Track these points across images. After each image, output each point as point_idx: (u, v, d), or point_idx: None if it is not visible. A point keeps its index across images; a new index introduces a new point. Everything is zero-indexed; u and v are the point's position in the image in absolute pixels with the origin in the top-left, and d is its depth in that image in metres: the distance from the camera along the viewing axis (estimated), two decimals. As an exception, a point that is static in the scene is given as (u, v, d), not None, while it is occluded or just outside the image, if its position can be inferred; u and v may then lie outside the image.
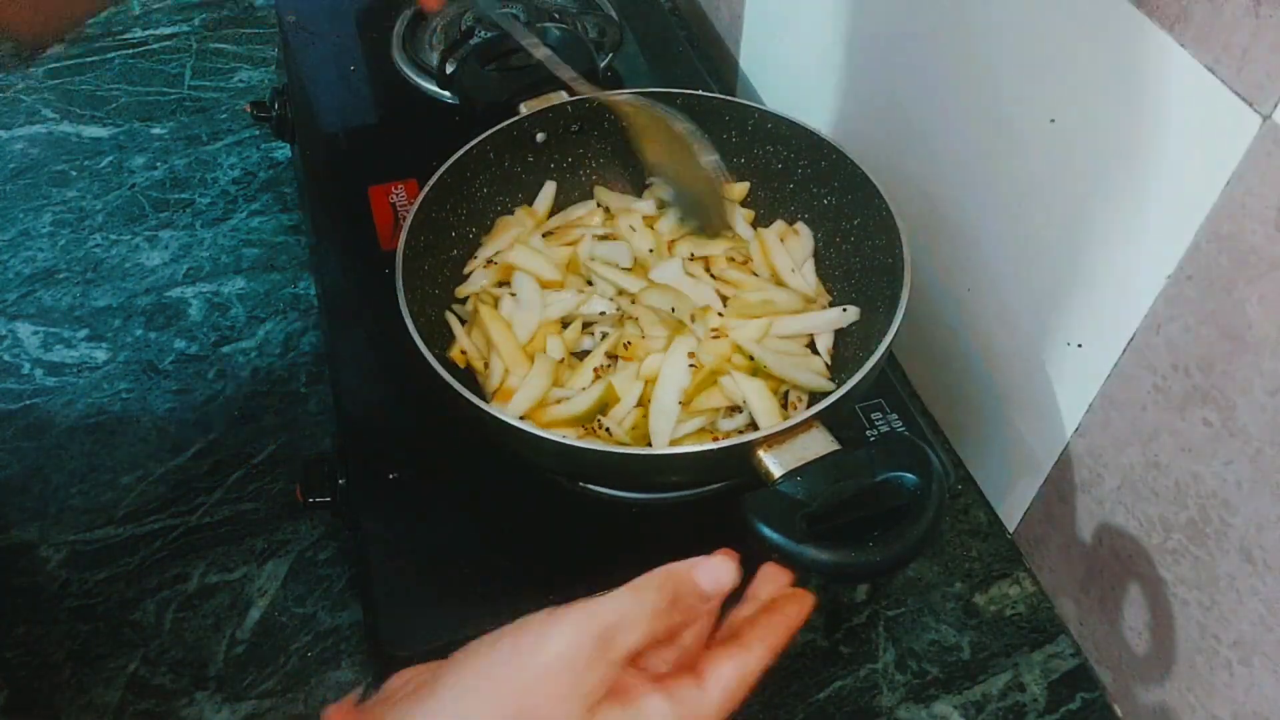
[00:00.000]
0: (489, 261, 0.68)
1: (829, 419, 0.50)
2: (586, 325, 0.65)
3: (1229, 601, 0.51)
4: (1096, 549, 0.60)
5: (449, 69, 0.81)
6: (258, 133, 0.97)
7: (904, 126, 0.71)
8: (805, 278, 0.67)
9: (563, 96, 0.69)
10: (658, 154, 0.66)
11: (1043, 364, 0.61)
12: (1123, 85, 0.50)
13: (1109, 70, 0.50)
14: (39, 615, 0.64)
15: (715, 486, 0.59)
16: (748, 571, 0.43)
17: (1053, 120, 0.55)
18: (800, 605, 0.43)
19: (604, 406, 0.59)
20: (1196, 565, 0.52)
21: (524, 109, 0.69)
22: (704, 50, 1.05)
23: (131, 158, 0.95)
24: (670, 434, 0.58)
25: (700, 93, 0.70)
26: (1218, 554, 0.51)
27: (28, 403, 0.76)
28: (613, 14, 0.93)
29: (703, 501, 0.59)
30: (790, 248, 0.68)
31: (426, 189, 0.63)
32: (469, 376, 0.63)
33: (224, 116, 0.99)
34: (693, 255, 0.68)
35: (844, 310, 0.64)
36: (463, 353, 0.63)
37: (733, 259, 0.68)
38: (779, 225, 0.70)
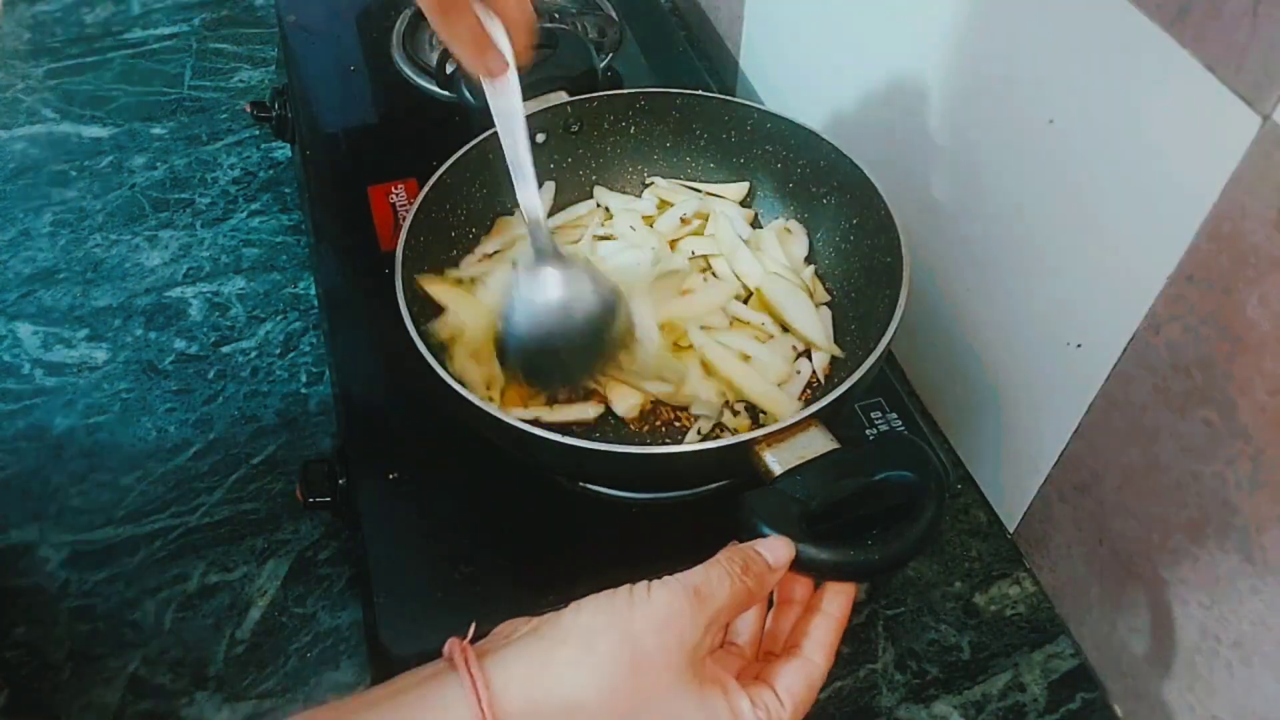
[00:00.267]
0: (486, 256, 0.68)
1: (828, 418, 0.51)
2: None
3: (1229, 601, 0.51)
4: (1096, 549, 0.60)
5: (449, 69, 0.81)
6: (258, 133, 0.97)
7: (904, 127, 0.71)
8: (803, 277, 0.67)
9: (563, 96, 0.69)
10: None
11: (1043, 364, 0.61)
12: (1123, 85, 0.50)
13: (1109, 70, 0.50)
14: (39, 615, 0.64)
15: (715, 486, 0.59)
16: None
17: (1052, 120, 0.55)
18: (844, 599, 0.45)
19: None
20: (1196, 565, 0.52)
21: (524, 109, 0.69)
22: (704, 50, 1.05)
23: (131, 158, 0.95)
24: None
25: (700, 93, 0.70)
26: (1218, 554, 0.51)
27: (28, 403, 0.76)
28: (613, 14, 0.93)
29: (703, 501, 0.59)
30: (788, 248, 0.68)
31: (426, 189, 0.63)
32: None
33: (224, 116, 0.99)
34: (694, 253, 0.68)
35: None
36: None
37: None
38: (778, 224, 0.70)
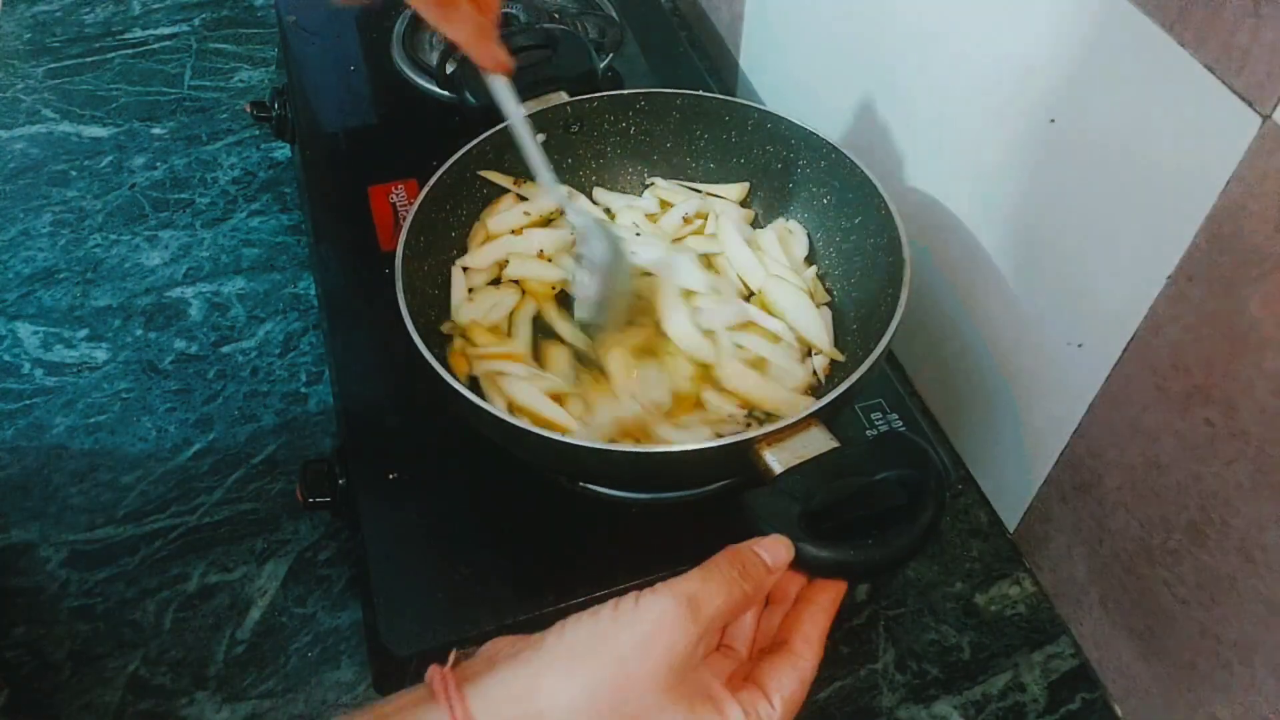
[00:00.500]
0: (488, 237, 0.68)
1: (828, 418, 0.51)
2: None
3: (1229, 601, 0.51)
4: (1097, 549, 0.60)
5: (449, 69, 0.81)
6: (258, 133, 0.97)
7: (904, 126, 0.71)
8: (804, 278, 0.67)
9: (563, 97, 0.69)
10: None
11: (1043, 364, 0.61)
12: (1123, 85, 0.50)
13: (1109, 70, 0.50)
14: (39, 615, 0.64)
15: (715, 486, 0.59)
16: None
17: (1053, 120, 0.55)
18: (834, 589, 0.45)
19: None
20: (1197, 565, 0.52)
21: (524, 109, 0.69)
22: (704, 50, 1.05)
23: (131, 158, 0.95)
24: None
25: (700, 93, 0.70)
26: (1218, 554, 0.51)
27: (28, 403, 0.76)
28: (613, 14, 0.93)
29: (703, 501, 0.59)
30: (788, 248, 0.68)
31: (426, 189, 0.63)
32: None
33: (224, 116, 0.99)
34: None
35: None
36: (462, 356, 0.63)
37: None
38: (778, 224, 0.70)
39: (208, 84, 1.03)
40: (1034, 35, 0.55)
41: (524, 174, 0.70)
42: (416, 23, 0.92)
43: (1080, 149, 0.54)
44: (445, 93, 0.84)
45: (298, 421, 0.75)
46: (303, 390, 0.77)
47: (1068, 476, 0.62)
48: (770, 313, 0.65)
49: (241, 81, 1.04)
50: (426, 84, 0.86)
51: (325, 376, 0.77)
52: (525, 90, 0.70)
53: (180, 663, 0.62)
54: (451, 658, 0.40)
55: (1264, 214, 0.43)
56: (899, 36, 0.68)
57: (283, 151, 0.95)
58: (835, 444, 0.49)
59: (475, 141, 0.66)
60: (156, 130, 0.98)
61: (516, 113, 0.59)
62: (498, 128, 0.67)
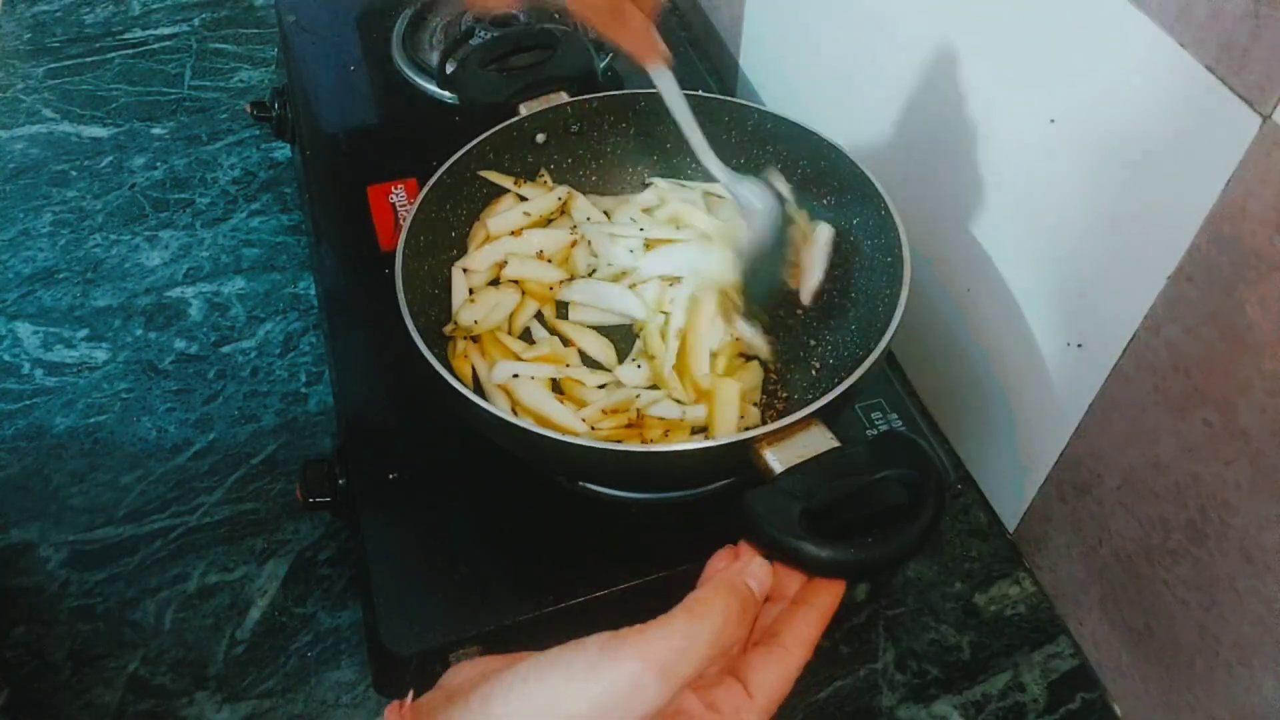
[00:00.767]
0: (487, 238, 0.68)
1: (829, 417, 0.51)
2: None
3: (1229, 601, 0.51)
4: (1096, 549, 0.60)
5: (449, 69, 0.81)
6: (258, 133, 0.97)
7: (903, 126, 0.71)
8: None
9: (563, 97, 0.69)
10: None
11: (1043, 364, 0.61)
12: (1123, 85, 0.50)
13: (1109, 70, 0.50)
14: (39, 615, 0.64)
15: (715, 486, 0.59)
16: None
17: (1053, 120, 0.55)
18: (831, 593, 0.44)
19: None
20: (1196, 565, 0.52)
21: (524, 109, 0.69)
22: (704, 50, 1.05)
23: (131, 158, 0.95)
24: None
25: (700, 93, 0.70)
26: (1218, 554, 0.51)
27: (28, 403, 0.76)
28: (613, 14, 0.93)
29: (703, 501, 0.59)
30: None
31: (426, 189, 0.63)
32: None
33: (224, 116, 0.99)
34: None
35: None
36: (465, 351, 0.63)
37: None
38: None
39: (208, 84, 1.03)
40: (1034, 35, 0.55)
41: (524, 174, 0.70)
42: (416, 23, 0.92)
43: (1080, 149, 0.54)
44: (445, 93, 0.84)
45: (298, 421, 0.75)
46: (303, 390, 0.77)
47: (1067, 477, 0.62)
48: None
49: (241, 81, 1.04)
50: (426, 84, 0.86)
51: (325, 376, 0.77)
52: (525, 90, 0.70)
53: (180, 663, 0.62)
54: (409, 696, 0.38)
55: (1264, 215, 0.43)
56: (899, 37, 0.68)
57: (283, 151, 0.95)
58: (835, 443, 0.49)
59: (475, 141, 0.66)
60: (156, 130, 0.98)
61: (679, 101, 0.60)
62: (498, 127, 0.67)
